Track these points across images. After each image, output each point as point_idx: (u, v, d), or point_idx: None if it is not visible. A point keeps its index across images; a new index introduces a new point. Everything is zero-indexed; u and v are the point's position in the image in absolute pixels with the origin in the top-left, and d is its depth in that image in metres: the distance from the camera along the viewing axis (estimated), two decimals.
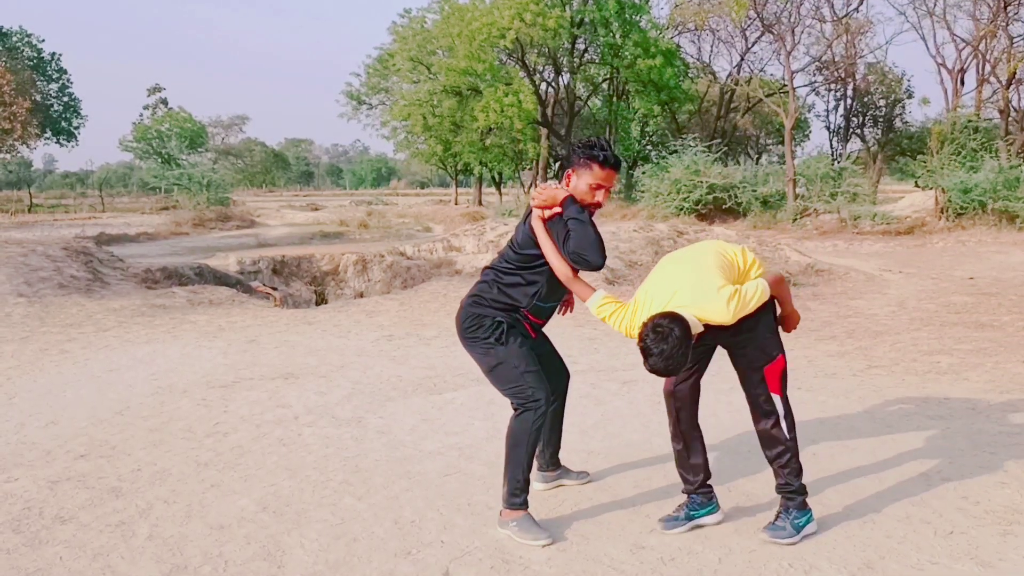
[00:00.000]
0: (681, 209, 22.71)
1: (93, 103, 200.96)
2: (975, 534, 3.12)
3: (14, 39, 45.22)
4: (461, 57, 27.27)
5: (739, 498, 3.51)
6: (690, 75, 33.82)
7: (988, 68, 24.53)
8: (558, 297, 3.32)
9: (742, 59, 32.45)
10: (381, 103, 38.97)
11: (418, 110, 30.58)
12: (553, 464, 3.66)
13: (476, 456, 4.10)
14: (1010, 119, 24.49)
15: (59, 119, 47.31)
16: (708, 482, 3.24)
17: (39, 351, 6.80)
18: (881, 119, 33.57)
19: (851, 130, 33.49)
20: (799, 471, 3.12)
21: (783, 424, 3.08)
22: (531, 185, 33.04)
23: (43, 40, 46.72)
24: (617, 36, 29.08)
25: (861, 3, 30.82)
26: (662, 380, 3.19)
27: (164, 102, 61.04)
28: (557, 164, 29.95)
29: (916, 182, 22.96)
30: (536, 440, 3.17)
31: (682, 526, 3.17)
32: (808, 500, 3.14)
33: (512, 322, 3.23)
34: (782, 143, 28.19)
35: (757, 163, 32.22)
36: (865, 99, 33.16)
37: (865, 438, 4.31)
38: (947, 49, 41.70)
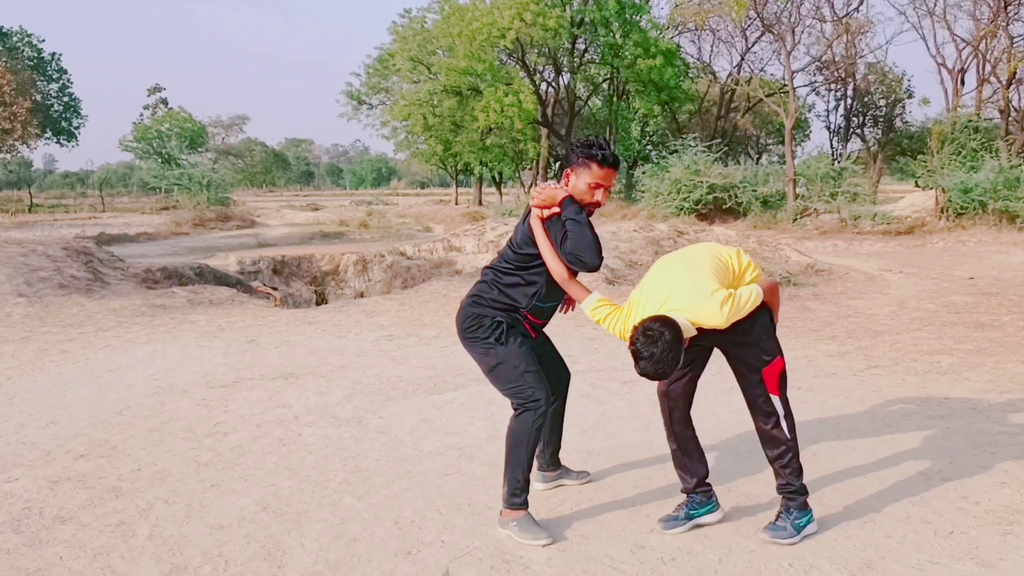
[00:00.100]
0: (681, 209, 22.71)
1: (93, 103, 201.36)
2: (975, 534, 3.12)
3: (14, 39, 45.23)
4: (461, 57, 27.27)
5: (739, 498, 3.51)
6: (690, 75, 33.82)
7: (988, 68, 24.53)
8: (558, 297, 3.32)
9: (742, 59, 32.47)
10: (381, 103, 38.99)
11: (418, 110, 30.58)
12: (553, 464, 3.66)
13: (476, 456, 4.10)
14: (1010, 119, 24.48)
15: (59, 119, 47.32)
16: (707, 481, 3.24)
17: (39, 351, 6.80)
18: (881, 119, 33.56)
19: (851, 130, 33.49)
20: (800, 471, 3.12)
21: (783, 424, 3.08)
22: (531, 185, 33.04)
23: (43, 40, 46.76)
24: (617, 36, 29.08)
25: (861, 3, 30.87)
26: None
27: (164, 102, 61.08)
28: (557, 164, 29.96)
29: (916, 182, 22.96)
30: (536, 440, 3.17)
31: (682, 526, 3.17)
32: (808, 500, 3.14)
33: (512, 322, 3.22)
34: (782, 143, 28.18)
35: (757, 163, 32.22)
36: (865, 99, 33.15)
37: (865, 438, 4.31)
38: (947, 49, 41.81)
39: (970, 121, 22.92)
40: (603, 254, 3.08)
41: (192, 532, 3.24)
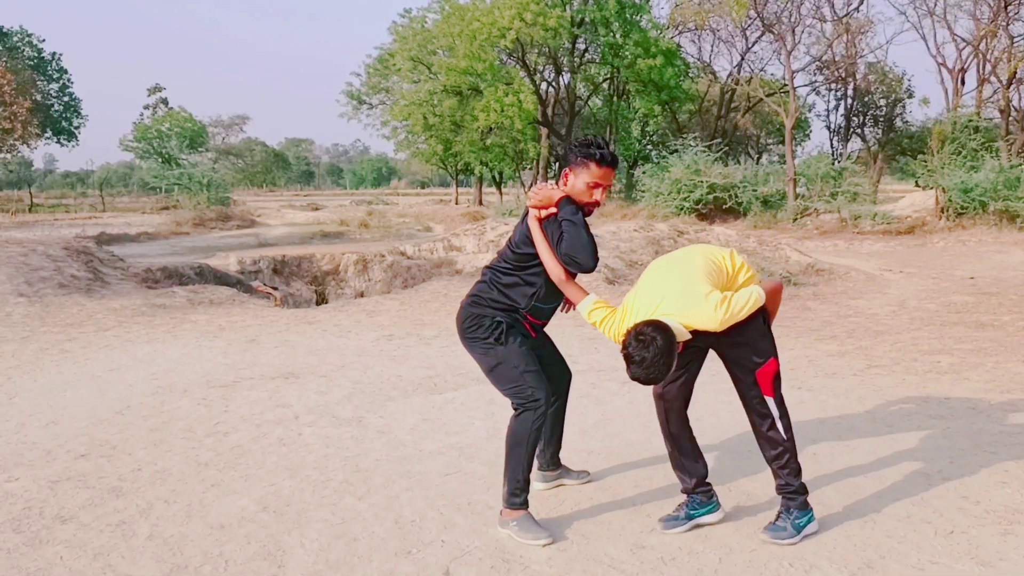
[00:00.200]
0: (681, 209, 22.71)
1: (93, 103, 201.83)
2: (975, 534, 3.12)
3: (14, 39, 45.28)
4: (461, 57, 27.28)
5: (739, 498, 3.51)
6: (690, 75, 33.83)
7: (988, 68, 24.54)
8: (558, 298, 3.31)
9: (742, 59, 32.48)
10: (381, 103, 39.01)
11: (418, 110, 30.59)
12: (553, 464, 3.66)
13: (476, 456, 4.10)
14: (1010, 119, 24.49)
15: (59, 119, 47.36)
16: (707, 481, 3.24)
17: (39, 351, 6.80)
18: (881, 119, 33.57)
19: (851, 130, 33.50)
20: (798, 471, 3.12)
21: (779, 425, 3.08)
22: (531, 185, 32.94)
23: (43, 40, 46.84)
24: (617, 36, 29.09)
25: (861, 3, 30.90)
26: None
27: (164, 102, 61.14)
28: (557, 164, 29.97)
29: (916, 182, 22.97)
30: (536, 440, 3.17)
31: (682, 525, 3.17)
32: (808, 500, 3.14)
33: (512, 322, 3.22)
34: (782, 143, 28.19)
35: (757, 163, 32.26)
36: (865, 99, 33.16)
37: (865, 438, 4.30)
38: (947, 49, 41.62)
39: (970, 121, 22.92)
40: (599, 255, 3.08)
41: (192, 532, 3.24)
